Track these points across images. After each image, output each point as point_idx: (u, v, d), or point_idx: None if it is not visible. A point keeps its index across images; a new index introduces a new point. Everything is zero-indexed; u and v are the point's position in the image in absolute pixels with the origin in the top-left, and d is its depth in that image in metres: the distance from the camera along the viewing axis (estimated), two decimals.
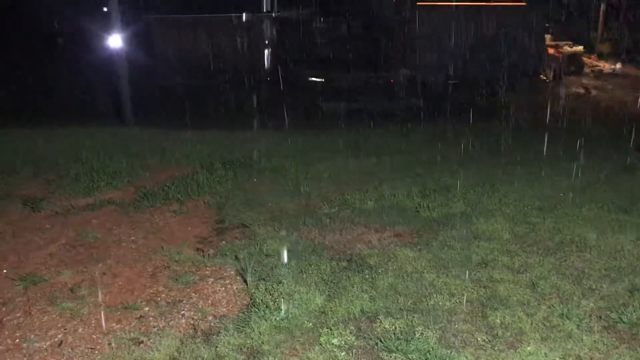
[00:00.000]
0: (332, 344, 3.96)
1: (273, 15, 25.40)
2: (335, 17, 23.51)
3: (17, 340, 4.14)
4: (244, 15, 24.26)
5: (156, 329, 4.26)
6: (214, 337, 4.09)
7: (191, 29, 25.69)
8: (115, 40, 14.96)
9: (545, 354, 3.81)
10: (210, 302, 4.68)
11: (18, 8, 24.48)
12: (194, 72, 23.19)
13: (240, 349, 3.93)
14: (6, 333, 4.24)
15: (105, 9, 16.64)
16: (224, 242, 5.95)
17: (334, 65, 22.64)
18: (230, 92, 19.01)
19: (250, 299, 4.65)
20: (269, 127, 13.64)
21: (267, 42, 25.26)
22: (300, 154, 9.97)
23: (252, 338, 4.03)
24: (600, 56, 25.68)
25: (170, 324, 4.33)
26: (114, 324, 4.34)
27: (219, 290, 4.88)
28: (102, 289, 4.91)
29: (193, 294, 4.81)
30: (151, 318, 4.42)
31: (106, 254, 5.68)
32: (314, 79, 22.56)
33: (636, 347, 3.89)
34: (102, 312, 4.50)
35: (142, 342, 4.07)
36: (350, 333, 4.09)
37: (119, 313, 4.50)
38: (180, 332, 4.21)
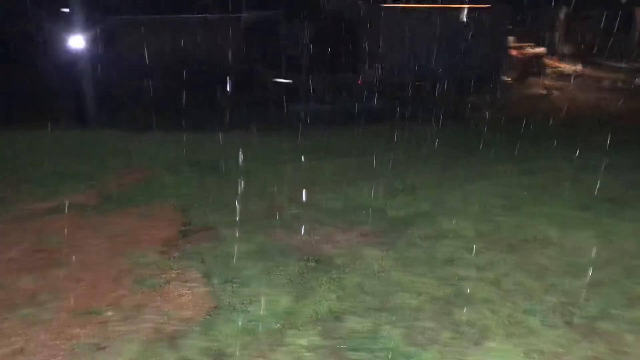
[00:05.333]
0: (299, 344, 3.95)
1: (239, 16, 25.25)
2: (301, 18, 23.50)
3: None
4: (209, 16, 24.05)
5: (119, 333, 4.19)
6: (179, 340, 4.04)
7: (157, 31, 25.29)
8: (77, 41, 14.66)
9: (509, 349, 3.87)
10: (175, 305, 4.62)
11: None
12: (159, 73, 22.88)
13: (206, 352, 3.89)
14: None
15: (66, 10, 16.26)
16: (189, 245, 5.89)
17: (300, 67, 22.63)
18: (196, 95, 18.79)
19: (217, 302, 4.61)
20: (234, 129, 13.51)
21: (233, 43, 25.09)
22: (267, 155, 9.93)
23: (218, 341, 4.00)
24: (562, 58, 26.21)
25: (134, 328, 4.26)
26: (77, 330, 4.24)
27: (185, 293, 4.83)
28: (64, 294, 4.81)
29: (158, 298, 4.74)
30: (114, 323, 4.34)
31: (68, 258, 5.56)
32: (280, 80, 22.51)
33: (596, 341, 3.98)
34: (64, 318, 4.41)
35: (105, 347, 4.00)
36: (317, 333, 4.09)
37: (81, 318, 4.41)
38: (144, 336, 4.14)
